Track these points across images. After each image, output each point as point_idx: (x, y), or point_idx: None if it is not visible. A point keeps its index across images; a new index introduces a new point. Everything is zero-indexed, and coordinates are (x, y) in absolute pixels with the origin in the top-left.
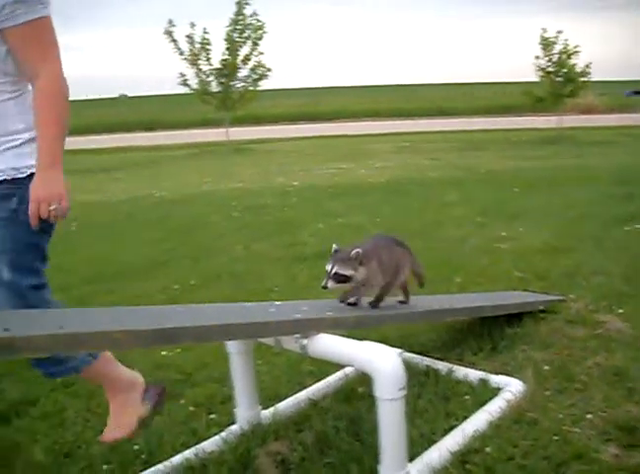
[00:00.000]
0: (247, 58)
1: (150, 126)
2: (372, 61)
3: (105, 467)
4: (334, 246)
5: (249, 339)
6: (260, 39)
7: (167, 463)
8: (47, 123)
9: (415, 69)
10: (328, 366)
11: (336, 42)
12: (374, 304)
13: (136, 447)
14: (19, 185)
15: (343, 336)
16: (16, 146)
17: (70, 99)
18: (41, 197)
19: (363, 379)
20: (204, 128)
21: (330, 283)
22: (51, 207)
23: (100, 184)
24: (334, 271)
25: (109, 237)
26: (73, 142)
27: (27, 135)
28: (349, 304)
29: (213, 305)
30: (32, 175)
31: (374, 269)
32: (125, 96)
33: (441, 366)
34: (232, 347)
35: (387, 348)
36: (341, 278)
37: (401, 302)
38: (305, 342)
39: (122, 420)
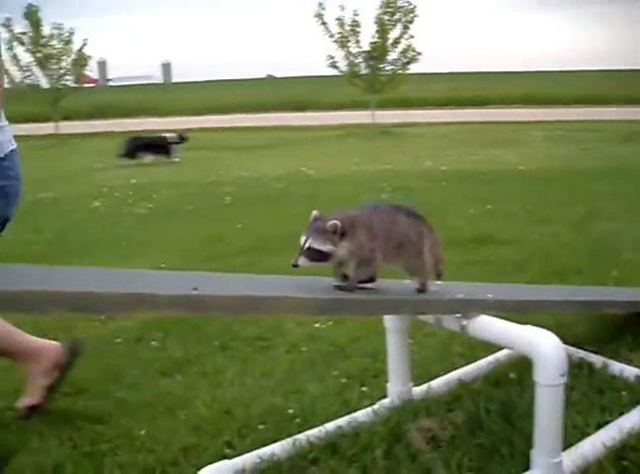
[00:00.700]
0: (397, 41)
1: (300, 107)
2: (523, 48)
3: (261, 427)
4: (314, 212)
5: (413, 314)
6: (411, 22)
7: (321, 428)
8: None
9: (567, 55)
10: (478, 350)
11: (484, 28)
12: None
13: (291, 411)
14: None
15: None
16: None
17: (221, 78)
18: None
19: (515, 365)
20: (351, 111)
21: (301, 261)
22: None
23: (254, 160)
24: (307, 244)
25: (261, 211)
26: (228, 120)
27: None
28: (338, 288)
29: None
30: None
31: (362, 241)
32: (272, 77)
33: (595, 360)
34: (389, 322)
35: (550, 333)
36: (316, 255)
37: (419, 291)
38: (466, 322)
39: (31, 389)
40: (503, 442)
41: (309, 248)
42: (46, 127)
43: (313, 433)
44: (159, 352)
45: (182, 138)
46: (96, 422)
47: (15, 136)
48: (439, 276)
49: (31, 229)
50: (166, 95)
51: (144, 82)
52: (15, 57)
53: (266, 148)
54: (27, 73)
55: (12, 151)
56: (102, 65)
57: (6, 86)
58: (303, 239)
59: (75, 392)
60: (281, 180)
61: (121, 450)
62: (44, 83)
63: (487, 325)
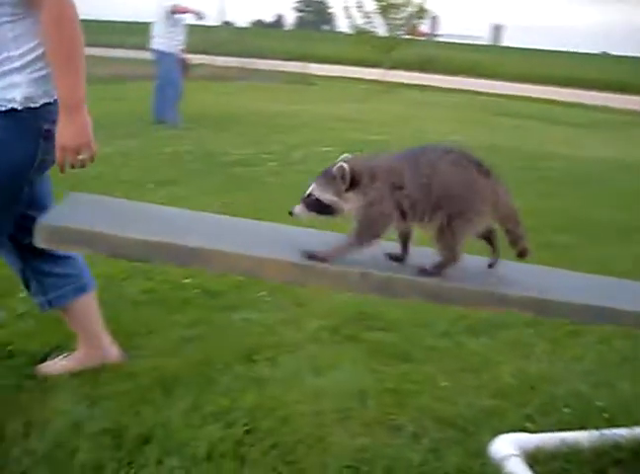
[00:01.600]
0: None
1: (628, 89)
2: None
3: (565, 410)
4: (343, 155)
5: None
6: None
7: (632, 430)
8: (57, 55)
9: None
10: None
11: None
12: (432, 271)
13: (599, 404)
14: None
15: None
16: (4, 74)
17: (551, 49)
18: (69, 145)
19: None
20: None
21: (298, 209)
22: (80, 157)
23: (573, 138)
24: (309, 191)
25: (580, 193)
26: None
27: (18, 64)
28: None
29: None
30: (12, 110)
31: (377, 196)
32: (607, 54)
33: None
34: None
35: None
36: (315, 206)
37: (490, 266)
38: None
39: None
40: None
41: (310, 195)
42: (375, 73)
43: (622, 432)
44: None
45: None
46: (403, 361)
47: (344, 78)
48: (521, 256)
49: None
50: (493, 58)
51: (472, 42)
52: (359, 4)
53: (587, 127)
54: (368, 20)
55: None
56: (434, 20)
57: (348, 30)
58: (311, 184)
59: (387, 328)
60: (603, 163)
61: (423, 396)
62: (382, 31)
63: None
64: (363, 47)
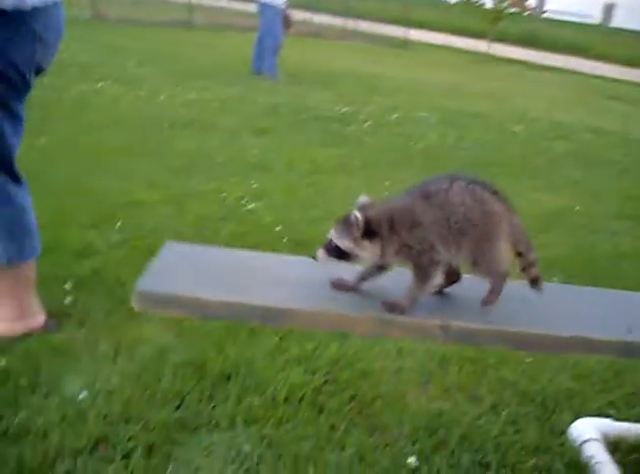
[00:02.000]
0: None
1: None
2: None
3: None
4: (361, 197)
5: None
6: None
7: None
8: None
9: None
10: None
11: None
12: (489, 300)
13: None
14: None
15: None
16: None
17: None
18: None
19: None
20: None
21: (320, 253)
22: None
23: None
24: (329, 236)
25: None
26: None
27: None
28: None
29: None
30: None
31: (402, 249)
32: None
33: None
34: None
35: None
36: (334, 251)
37: (485, 303)
38: None
39: None
40: None
41: (330, 241)
42: (478, 44)
43: None
44: None
45: None
46: None
47: (446, 46)
48: (534, 283)
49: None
50: (602, 38)
51: (580, 20)
52: None
53: None
54: None
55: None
56: None
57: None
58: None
59: None
60: None
61: (505, 369)
62: (489, 2)
63: None
64: (469, 17)
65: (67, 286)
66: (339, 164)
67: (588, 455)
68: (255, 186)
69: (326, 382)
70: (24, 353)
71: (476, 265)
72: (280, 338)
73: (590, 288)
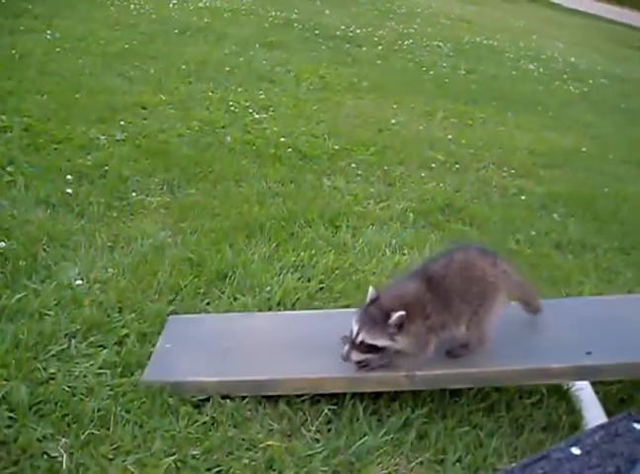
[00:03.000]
0: None
1: None
2: None
3: None
4: (370, 291)
5: None
6: None
7: None
8: None
9: None
10: None
11: None
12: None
13: None
14: None
15: None
16: None
17: None
18: None
19: None
20: None
21: (354, 356)
22: None
23: None
24: (360, 338)
25: None
26: None
27: None
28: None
29: None
30: None
31: (422, 334)
32: None
33: None
34: None
35: None
36: (370, 350)
37: (453, 355)
38: None
39: None
40: None
41: (362, 342)
42: None
43: None
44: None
45: None
46: None
47: None
48: (534, 313)
49: None
50: None
51: None
52: None
53: None
54: None
55: None
56: None
57: None
58: (356, 329)
59: (472, 222)
60: None
61: None
62: None
63: None
64: None
65: (69, 178)
66: (348, 84)
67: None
68: (262, 96)
69: (320, 290)
70: (23, 238)
71: (469, 328)
72: (277, 245)
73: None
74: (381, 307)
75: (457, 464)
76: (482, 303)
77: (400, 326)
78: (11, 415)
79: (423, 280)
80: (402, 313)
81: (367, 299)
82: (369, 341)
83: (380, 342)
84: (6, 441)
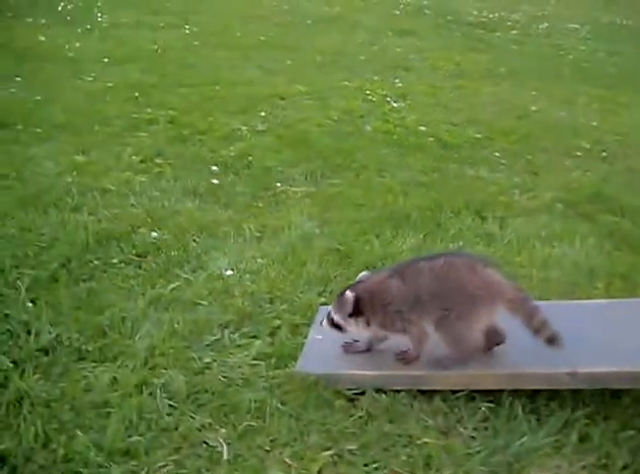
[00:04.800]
0: None
1: None
2: None
3: None
4: (362, 273)
5: None
6: None
7: None
8: None
9: None
10: None
11: None
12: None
13: None
14: None
15: None
16: None
17: None
18: None
19: None
20: None
21: (324, 323)
22: None
23: None
24: (329, 310)
25: None
26: None
27: None
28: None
29: None
30: None
31: (381, 321)
32: None
33: None
34: None
35: None
36: (332, 323)
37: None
38: None
39: None
40: None
41: (328, 314)
42: None
43: None
44: None
45: None
46: (636, 250)
47: None
48: (551, 343)
49: None
50: None
51: None
52: None
53: None
54: None
55: None
56: None
57: None
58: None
59: (624, 214)
60: None
61: None
62: None
63: None
64: None
65: (215, 168)
66: (484, 70)
67: None
68: (399, 85)
69: None
70: (174, 228)
71: (436, 330)
72: (424, 236)
73: None
74: (354, 290)
75: (624, 471)
76: (454, 308)
77: (356, 311)
78: (170, 403)
79: (399, 272)
80: (350, 294)
81: (358, 278)
82: (332, 314)
83: (337, 318)
84: (167, 429)
